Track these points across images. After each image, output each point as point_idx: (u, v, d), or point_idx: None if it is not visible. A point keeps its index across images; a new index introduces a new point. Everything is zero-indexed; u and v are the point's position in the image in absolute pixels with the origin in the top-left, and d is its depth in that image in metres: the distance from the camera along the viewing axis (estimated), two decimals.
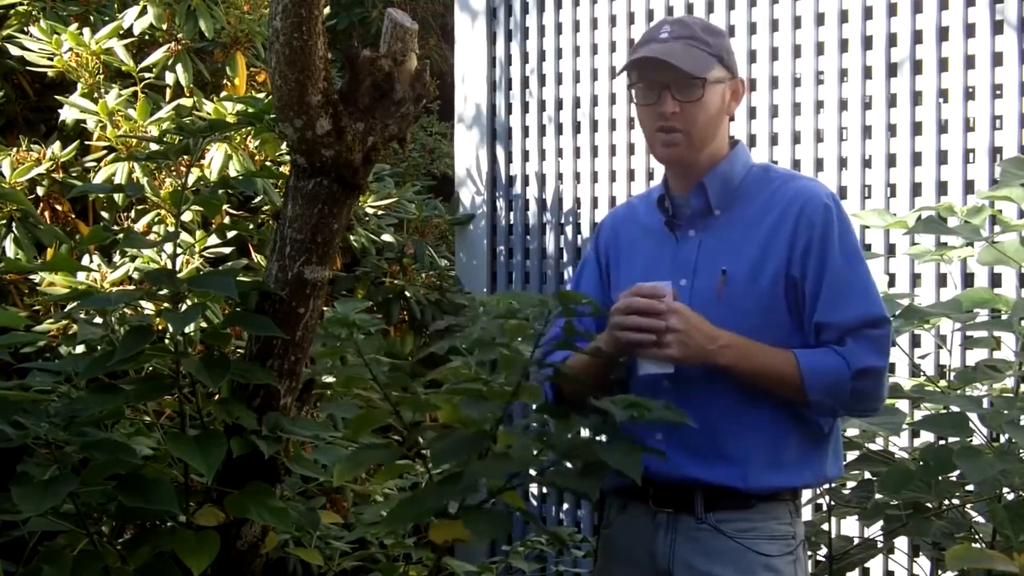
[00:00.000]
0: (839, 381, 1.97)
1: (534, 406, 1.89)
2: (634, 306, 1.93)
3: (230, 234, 3.49)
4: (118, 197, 3.54)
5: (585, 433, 1.88)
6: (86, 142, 3.64)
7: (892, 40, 3.69)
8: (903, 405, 2.68)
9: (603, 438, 1.86)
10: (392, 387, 1.97)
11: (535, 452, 1.85)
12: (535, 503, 4.50)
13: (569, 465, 1.84)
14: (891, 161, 3.69)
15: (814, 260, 1.99)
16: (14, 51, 3.66)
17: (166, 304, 2.29)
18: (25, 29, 3.70)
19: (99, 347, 2.63)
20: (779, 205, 2.03)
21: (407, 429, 2.01)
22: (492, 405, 1.82)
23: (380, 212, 4.33)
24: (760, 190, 2.07)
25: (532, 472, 1.85)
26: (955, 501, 2.61)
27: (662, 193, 2.12)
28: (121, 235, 3.10)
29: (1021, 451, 2.35)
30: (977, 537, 2.54)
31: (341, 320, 1.89)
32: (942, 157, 3.59)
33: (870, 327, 1.98)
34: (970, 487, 2.59)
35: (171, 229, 3.23)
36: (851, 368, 1.96)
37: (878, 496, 2.58)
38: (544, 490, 4.48)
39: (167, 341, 2.23)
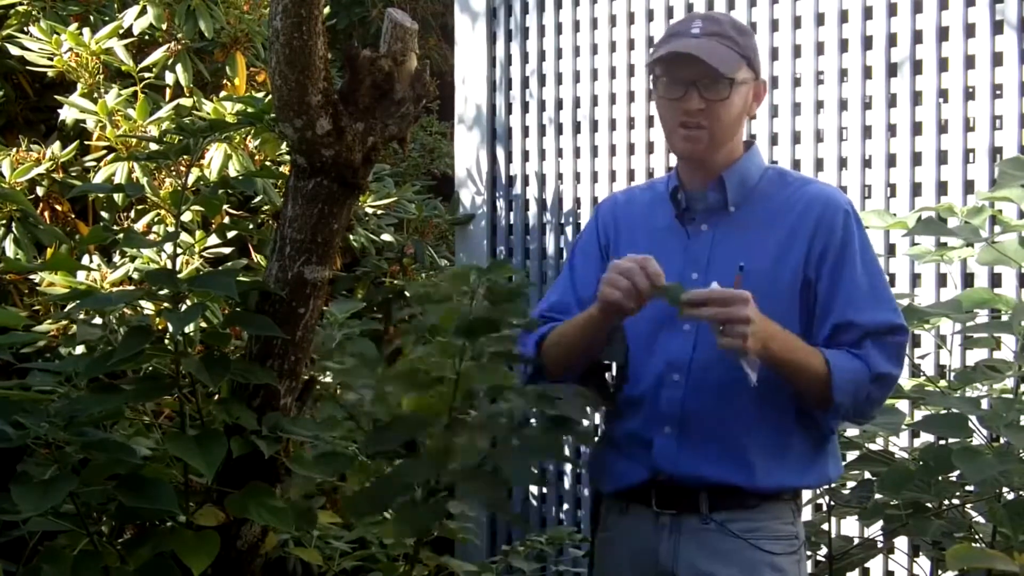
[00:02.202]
0: (861, 384, 1.96)
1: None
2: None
3: (230, 234, 3.48)
4: (118, 197, 3.54)
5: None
6: (86, 142, 3.63)
7: (892, 40, 3.69)
8: (903, 405, 2.68)
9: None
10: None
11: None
12: (535, 503, 4.49)
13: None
14: (891, 161, 3.68)
15: (830, 264, 2.00)
16: (14, 51, 3.65)
17: (166, 304, 2.29)
18: (25, 29, 3.70)
19: (99, 347, 2.63)
20: (797, 207, 2.04)
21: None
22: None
23: (380, 212, 4.32)
24: (777, 191, 2.08)
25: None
26: (955, 501, 2.61)
27: (675, 186, 2.10)
28: (121, 235, 3.09)
29: (1021, 451, 2.35)
30: (977, 537, 2.54)
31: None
32: (942, 157, 3.59)
33: (891, 333, 1.99)
34: (970, 487, 2.59)
35: (171, 229, 3.24)
36: (871, 372, 1.96)
37: (878, 496, 2.58)
38: (544, 491, 4.48)
39: (167, 341, 2.23)
